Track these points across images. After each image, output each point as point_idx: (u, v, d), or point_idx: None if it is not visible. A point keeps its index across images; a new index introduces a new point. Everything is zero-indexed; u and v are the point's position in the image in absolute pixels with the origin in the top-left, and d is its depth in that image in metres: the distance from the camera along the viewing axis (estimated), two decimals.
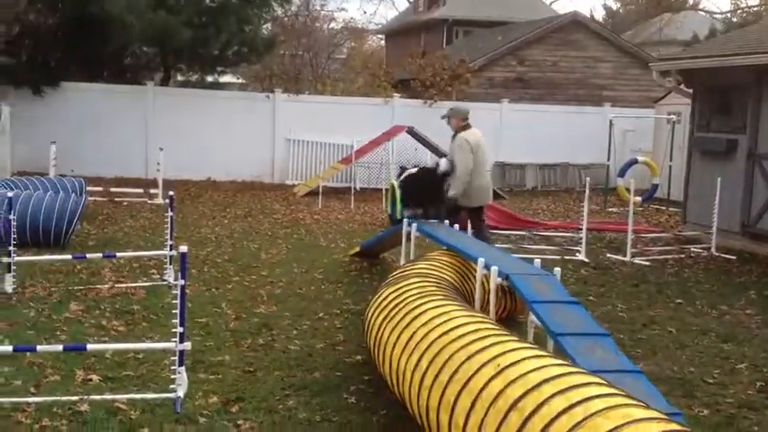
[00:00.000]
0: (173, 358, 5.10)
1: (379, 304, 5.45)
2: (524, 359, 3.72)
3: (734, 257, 10.86)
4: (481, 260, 5.68)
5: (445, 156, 16.77)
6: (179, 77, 20.52)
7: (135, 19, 15.27)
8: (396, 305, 5.19)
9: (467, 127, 9.33)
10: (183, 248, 5.07)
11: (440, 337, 4.40)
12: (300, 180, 18.90)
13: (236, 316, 7.21)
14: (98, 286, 7.94)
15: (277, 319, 7.16)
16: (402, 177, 9.40)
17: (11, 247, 7.45)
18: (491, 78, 22.48)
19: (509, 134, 20.04)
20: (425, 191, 9.06)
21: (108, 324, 6.70)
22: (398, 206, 13.07)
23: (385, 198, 14.87)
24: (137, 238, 10.96)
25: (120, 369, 5.60)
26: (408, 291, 5.31)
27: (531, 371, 3.57)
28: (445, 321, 4.55)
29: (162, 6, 15.88)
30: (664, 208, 16.13)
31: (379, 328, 5.18)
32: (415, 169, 9.62)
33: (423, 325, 4.66)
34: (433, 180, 9.19)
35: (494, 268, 5.41)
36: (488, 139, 18.99)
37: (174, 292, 7.89)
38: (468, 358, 3.98)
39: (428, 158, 18.63)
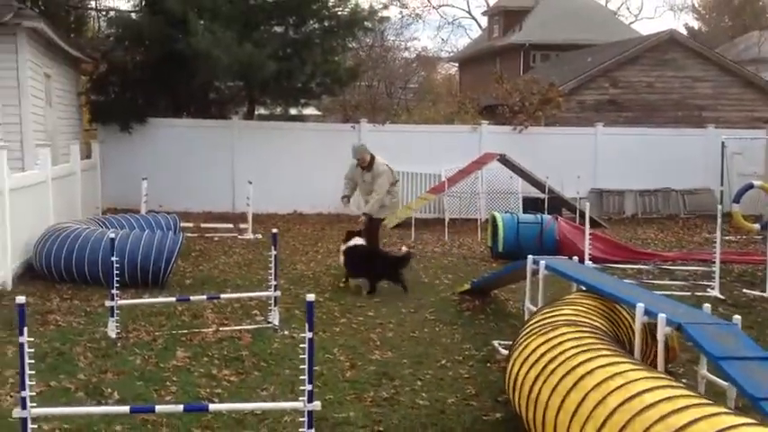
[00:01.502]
0: (300, 419, 4.53)
1: (528, 357, 4.82)
2: None
3: None
4: (641, 306, 4.99)
5: (541, 183, 16.33)
6: (262, 111, 20.31)
7: (222, 54, 15.03)
8: (551, 359, 4.56)
9: (374, 158, 10.44)
10: (310, 297, 4.52)
11: (622, 404, 3.75)
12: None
13: (351, 364, 6.66)
14: (203, 330, 7.50)
15: (396, 368, 6.58)
16: (347, 247, 9.89)
17: (114, 290, 7.08)
18: (582, 102, 21.67)
19: (605, 159, 19.22)
20: (370, 262, 9.79)
21: (218, 373, 6.23)
22: (501, 238, 12.55)
23: (485, 230, 14.27)
24: (233, 275, 10.56)
25: (240, 427, 5.10)
26: (563, 343, 4.67)
27: None
28: (624, 384, 3.90)
29: (248, 40, 15.63)
30: None
31: (532, 387, 4.55)
32: (360, 240, 10.02)
33: (595, 387, 4.01)
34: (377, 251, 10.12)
35: (662, 316, 4.71)
36: (583, 165, 18.48)
37: (280, 335, 7.48)
38: None
39: (519, 187, 18.06)
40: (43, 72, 13.93)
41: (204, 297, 8.08)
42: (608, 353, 4.40)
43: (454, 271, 11.57)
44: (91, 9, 22.25)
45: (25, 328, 4.23)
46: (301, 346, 6.88)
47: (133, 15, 17.48)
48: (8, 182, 8.90)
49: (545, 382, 4.41)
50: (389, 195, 10.64)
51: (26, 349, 4.19)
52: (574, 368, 4.29)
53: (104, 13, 21.76)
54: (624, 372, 4.03)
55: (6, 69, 12.35)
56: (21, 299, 4.28)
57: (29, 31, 12.47)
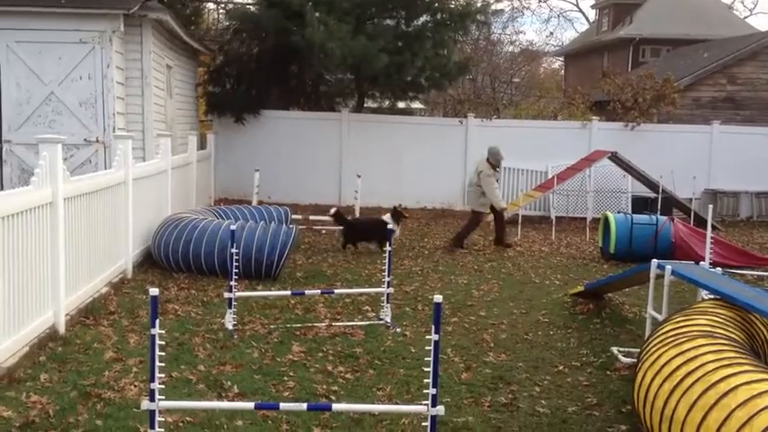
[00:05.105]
0: (420, 423, 4.47)
1: (661, 369, 4.61)
2: None
3: None
4: None
5: (653, 182, 15.79)
6: (370, 103, 20.38)
7: (336, 46, 15.12)
8: (688, 373, 4.34)
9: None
10: (438, 298, 4.43)
11: None
12: None
13: (467, 366, 6.56)
14: (316, 325, 7.54)
15: (512, 372, 6.45)
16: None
17: (232, 282, 7.19)
18: (697, 99, 20.86)
19: (720, 159, 18.52)
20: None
21: (334, 370, 6.23)
22: (613, 239, 12.18)
23: (593, 229, 13.92)
24: (342, 270, 10.60)
25: (358, 428, 5.07)
26: (701, 356, 4.44)
27: None
28: None
29: (361, 33, 15.67)
30: None
31: (666, 401, 4.34)
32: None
33: (739, 406, 3.79)
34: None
35: None
36: (697, 165, 17.81)
37: (392, 332, 7.45)
38: None
39: (629, 186, 17.55)
40: (165, 63, 14.34)
41: (318, 292, 8.14)
42: (751, 368, 4.16)
43: (564, 271, 11.33)
44: (208, 1, 22.78)
45: (157, 320, 4.29)
46: (413, 345, 6.92)
47: (251, 8, 17.78)
48: (132, 171, 9.16)
49: (682, 396, 4.21)
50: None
51: (157, 341, 4.24)
52: (715, 384, 4.07)
53: (223, 5, 22.23)
54: None
55: (131, 60, 12.76)
56: (154, 291, 4.34)
57: (154, 23, 12.84)
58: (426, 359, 4.31)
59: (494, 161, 12.91)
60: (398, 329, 7.57)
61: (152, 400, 4.23)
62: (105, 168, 11.07)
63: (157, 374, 4.15)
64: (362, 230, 12.51)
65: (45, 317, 6.51)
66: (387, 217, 12.39)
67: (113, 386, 5.57)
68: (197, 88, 18.28)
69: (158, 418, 4.17)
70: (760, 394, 3.79)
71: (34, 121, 12.10)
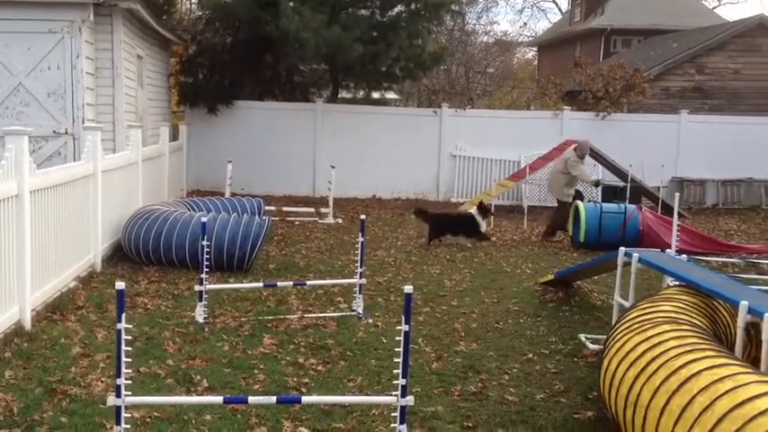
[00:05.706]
0: (392, 414, 4.48)
1: (626, 355, 4.67)
2: None
3: None
4: (744, 304, 4.79)
5: (623, 171, 15.91)
6: (344, 94, 20.35)
7: (310, 36, 15.06)
8: (652, 359, 4.40)
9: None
10: (409, 288, 4.44)
11: (732, 410, 3.59)
12: (465, 197, 18.30)
13: (437, 355, 6.60)
14: (288, 317, 7.54)
15: (482, 360, 6.50)
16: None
17: (203, 275, 7.16)
18: (666, 88, 21.06)
19: (688, 148, 18.76)
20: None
21: (305, 362, 6.23)
22: (582, 228, 12.28)
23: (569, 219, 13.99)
24: (315, 261, 10.61)
25: (329, 420, 5.07)
26: (665, 342, 4.50)
27: None
28: (734, 388, 3.73)
29: (335, 23, 15.62)
30: None
31: (631, 387, 4.41)
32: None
33: (701, 391, 3.85)
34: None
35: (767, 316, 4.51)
36: (665, 153, 17.96)
37: (364, 323, 7.47)
38: None
39: (599, 175, 17.65)
40: (136, 53, 14.20)
41: (290, 283, 8.13)
42: (713, 353, 4.23)
43: (535, 260, 11.42)
44: None
45: (123, 315, 4.25)
46: (385, 335, 6.94)
47: None
48: (101, 163, 9.08)
49: (646, 382, 4.27)
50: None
51: (123, 336, 4.20)
52: (677, 369, 4.13)
53: None
54: (733, 375, 3.86)
55: (101, 50, 12.58)
56: (120, 284, 4.29)
57: (124, 12, 12.68)
58: (397, 350, 4.32)
59: (579, 153, 13.37)
60: (370, 320, 7.59)
61: (118, 395, 4.20)
62: (75, 160, 10.95)
63: (124, 370, 4.12)
64: (449, 225, 12.65)
65: (10, 312, 6.44)
66: (474, 211, 12.58)
67: (80, 382, 5.52)
68: (169, 78, 18.11)
69: (124, 414, 4.15)
70: (721, 379, 3.85)
71: (1, 114, 11.93)
